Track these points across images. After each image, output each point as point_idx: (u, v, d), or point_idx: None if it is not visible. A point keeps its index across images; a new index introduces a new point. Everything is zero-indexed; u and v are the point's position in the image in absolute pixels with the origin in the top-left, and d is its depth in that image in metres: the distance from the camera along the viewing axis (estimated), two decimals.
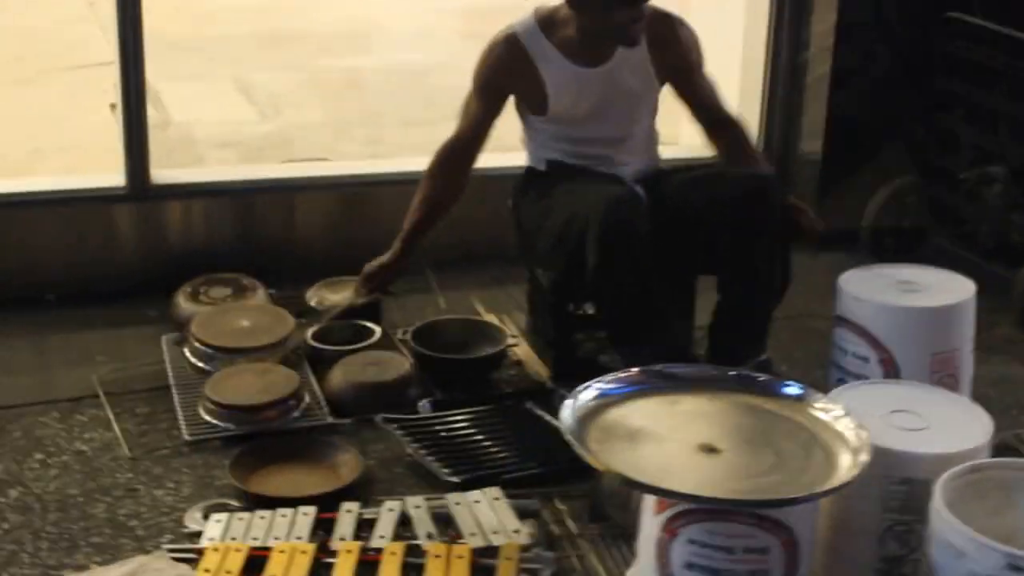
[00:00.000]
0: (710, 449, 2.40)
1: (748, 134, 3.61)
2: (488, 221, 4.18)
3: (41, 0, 7.44)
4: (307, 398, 3.36)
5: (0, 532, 2.85)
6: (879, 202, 4.39)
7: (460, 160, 3.51)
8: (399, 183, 4.20)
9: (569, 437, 2.39)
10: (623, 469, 2.32)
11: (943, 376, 3.06)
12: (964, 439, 2.50)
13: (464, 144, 3.49)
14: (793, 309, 3.61)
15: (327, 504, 2.89)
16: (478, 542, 2.75)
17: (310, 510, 2.85)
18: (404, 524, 2.84)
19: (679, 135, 4.54)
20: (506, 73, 3.40)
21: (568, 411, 2.46)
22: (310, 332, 3.65)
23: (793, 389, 2.53)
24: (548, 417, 3.30)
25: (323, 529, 2.81)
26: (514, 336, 3.75)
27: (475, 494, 2.93)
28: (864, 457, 2.31)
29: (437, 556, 2.68)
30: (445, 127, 5.79)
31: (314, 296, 3.82)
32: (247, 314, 3.66)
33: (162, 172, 4.05)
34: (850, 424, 2.41)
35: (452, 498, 2.92)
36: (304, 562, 2.66)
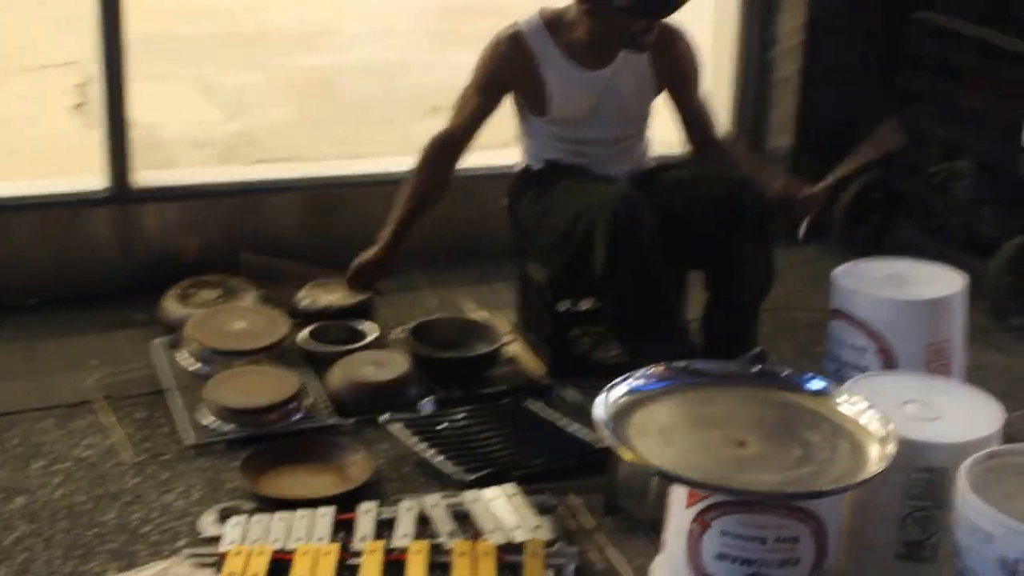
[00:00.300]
0: (740, 443, 2.45)
1: (736, 157, 3.61)
2: (472, 220, 4.21)
3: None
4: (309, 399, 3.37)
5: (11, 541, 2.83)
6: (849, 196, 4.48)
7: (451, 154, 3.51)
8: (380, 183, 4.22)
9: (607, 433, 2.43)
10: (660, 464, 2.36)
11: (938, 365, 3.15)
12: (978, 427, 2.58)
13: (457, 138, 3.50)
14: (772, 302, 3.67)
15: (341, 504, 2.91)
16: (500, 539, 2.77)
17: (328, 511, 2.86)
18: (423, 523, 2.86)
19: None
20: (509, 71, 3.42)
21: (601, 408, 2.50)
22: (306, 332, 3.66)
23: (816, 383, 2.59)
24: (552, 415, 3.36)
25: (341, 530, 2.82)
26: (508, 334, 3.78)
27: (491, 491, 2.95)
28: (891, 447, 2.37)
29: (463, 554, 2.69)
30: (416, 126, 5.86)
31: (307, 296, 3.82)
32: (242, 316, 3.65)
33: (144, 175, 4.03)
34: (874, 416, 2.47)
35: (468, 496, 2.94)
36: (329, 563, 2.66)
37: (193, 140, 5.02)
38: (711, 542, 2.42)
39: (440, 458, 3.13)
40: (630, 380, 2.58)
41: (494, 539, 2.77)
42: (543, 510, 2.93)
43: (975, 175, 4.21)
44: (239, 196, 4.16)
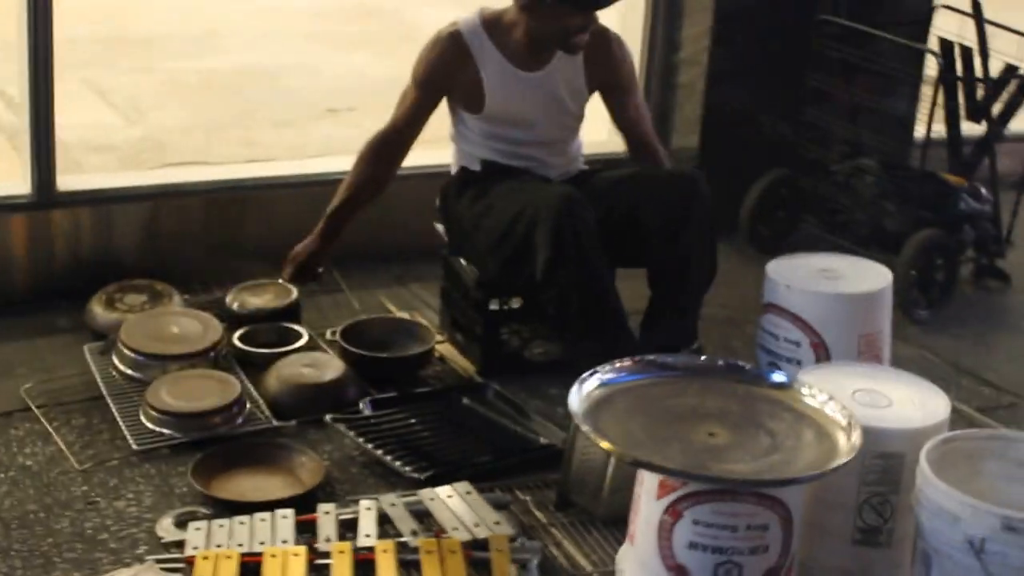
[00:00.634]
0: (711, 433, 2.53)
1: (663, 158, 3.74)
2: (387, 221, 4.23)
3: None
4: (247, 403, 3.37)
5: None
6: (755, 194, 4.62)
7: (392, 150, 3.56)
8: (311, 184, 4.28)
9: (584, 426, 2.49)
10: (638, 455, 2.43)
11: (869, 356, 3.27)
12: (928, 413, 2.70)
13: (398, 134, 3.55)
14: None
15: (296, 506, 2.91)
16: (464, 536, 2.81)
17: (288, 513, 2.86)
18: (383, 522, 2.88)
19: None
20: (447, 69, 3.47)
21: (575, 400, 2.55)
22: (236, 336, 3.65)
23: (779, 376, 2.68)
24: (490, 413, 3.41)
25: (302, 531, 2.83)
26: (439, 334, 3.82)
27: (446, 489, 2.99)
28: (857, 435, 2.48)
29: (429, 552, 2.73)
30: (314, 129, 5.86)
31: (235, 300, 3.80)
32: (174, 320, 3.61)
33: (68, 179, 3.97)
34: (836, 407, 2.57)
35: (425, 494, 2.97)
36: (299, 565, 2.67)
37: (95, 144, 4.93)
38: (682, 532, 2.49)
39: (389, 457, 3.16)
40: (600, 374, 2.64)
41: (457, 536, 2.81)
42: (498, 507, 2.98)
43: (878, 172, 4.38)
44: (163, 199, 4.11)
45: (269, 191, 4.29)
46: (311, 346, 3.67)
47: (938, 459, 2.52)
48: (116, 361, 3.51)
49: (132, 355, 3.48)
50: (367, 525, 2.84)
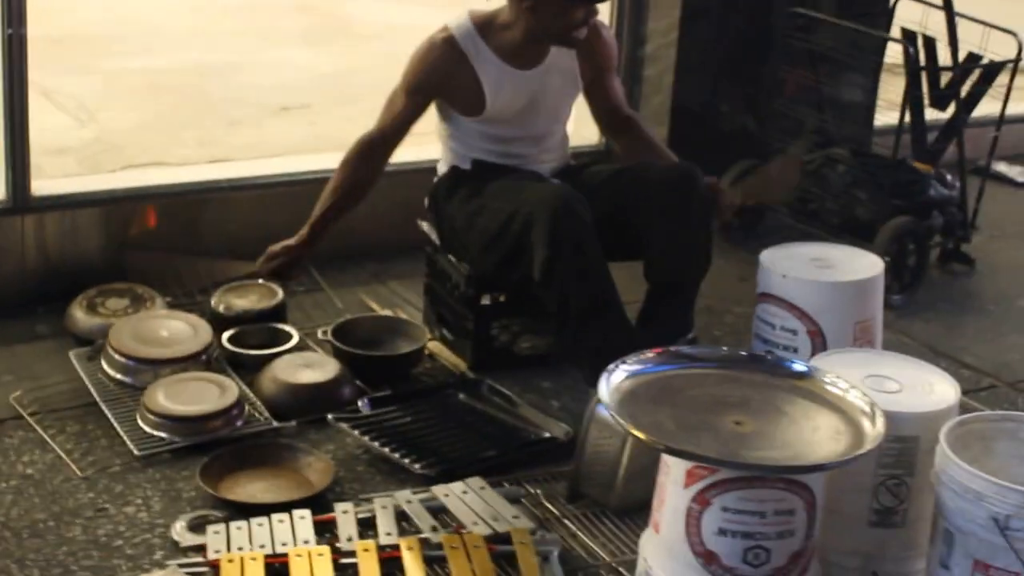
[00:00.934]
0: (737, 422, 2.56)
1: (647, 126, 3.78)
2: (361, 219, 4.22)
3: None
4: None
5: None
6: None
7: (378, 154, 3.55)
8: (283, 184, 4.29)
9: (616, 416, 2.50)
10: (673, 443, 2.45)
11: (863, 343, 3.33)
12: (941, 397, 2.75)
13: (384, 139, 3.54)
14: None
15: (307, 506, 2.90)
16: (483, 530, 2.82)
17: (305, 513, 2.85)
18: (401, 520, 2.88)
19: None
20: (443, 75, 3.46)
21: (604, 391, 2.57)
22: (225, 337, 3.61)
23: (800, 366, 2.72)
24: (488, 408, 3.42)
25: (320, 532, 2.82)
26: (429, 330, 3.81)
27: (459, 485, 3.00)
28: (881, 421, 2.52)
29: (454, 547, 2.73)
30: (269, 127, 5.81)
31: (220, 302, 3.76)
32: (162, 323, 3.56)
33: (43, 183, 3.90)
34: (858, 394, 2.61)
35: (439, 490, 2.98)
36: (325, 564, 2.66)
37: (50, 147, 4.83)
38: (711, 519, 2.51)
39: (397, 455, 3.15)
40: (625, 365, 2.65)
41: (478, 531, 2.82)
42: (512, 500, 2.99)
43: (850, 161, 4.45)
44: (140, 201, 4.06)
45: (243, 192, 4.26)
46: (301, 346, 3.65)
47: (954, 441, 2.57)
48: (105, 366, 3.46)
49: (122, 360, 3.44)
50: (386, 523, 2.84)
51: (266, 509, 2.88)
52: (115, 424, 3.25)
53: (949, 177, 4.51)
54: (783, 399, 2.64)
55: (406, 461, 3.12)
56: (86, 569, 2.73)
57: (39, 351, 3.65)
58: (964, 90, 4.45)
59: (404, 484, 3.07)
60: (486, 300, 3.63)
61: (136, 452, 3.14)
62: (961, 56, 4.45)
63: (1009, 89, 4.44)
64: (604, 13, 4.62)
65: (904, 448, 2.69)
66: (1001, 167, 5.54)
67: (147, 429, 3.21)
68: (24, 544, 2.79)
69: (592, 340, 3.26)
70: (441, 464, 3.12)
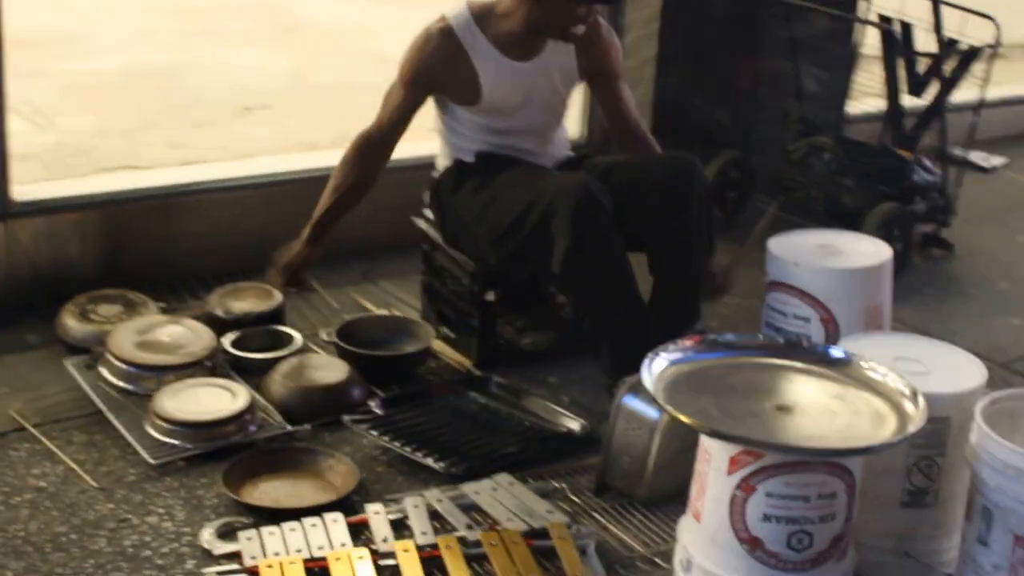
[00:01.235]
0: (780, 408, 2.56)
1: (656, 148, 3.73)
2: (348, 219, 4.18)
3: None
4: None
5: None
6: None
7: (378, 150, 3.51)
8: (269, 184, 4.24)
9: (663, 403, 2.49)
10: (724, 429, 2.44)
11: (873, 328, 3.34)
12: (969, 377, 2.77)
13: (384, 134, 3.50)
14: None
15: (334, 509, 2.87)
16: (519, 526, 2.80)
17: (337, 516, 2.81)
18: (433, 519, 2.85)
19: None
20: (441, 66, 3.42)
21: (648, 379, 2.56)
22: (228, 341, 3.56)
23: (838, 352, 2.72)
24: (499, 405, 3.40)
25: (353, 534, 2.78)
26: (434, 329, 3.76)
27: (488, 482, 2.98)
28: (922, 402, 2.53)
29: (493, 544, 2.71)
30: (235, 128, 5.72)
31: (218, 305, 3.70)
32: (162, 329, 3.49)
33: (24, 189, 3.82)
34: (897, 378, 2.62)
35: (469, 488, 2.95)
36: (366, 566, 2.63)
37: (13, 153, 4.71)
38: (756, 505, 2.50)
39: (419, 455, 3.12)
40: (665, 354, 2.64)
41: (513, 527, 2.79)
42: (542, 496, 2.97)
43: (835, 149, 4.48)
44: (123, 205, 3.99)
45: (224, 193, 4.20)
46: (303, 348, 3.60)
47: (986, 419, 2.60)
48: (106, 374, 3.38)
49: (124, 367, 3.36)
50: (420, 523, 2.80)
51: (293, 514, 2.84)
52: (124, 433, 3.17)
53: (927, 162, 4.56)
54: (822, 384, 2.65)
55: (429, 460, 3.09)
56: None
57: (32, 361, 3.56)
58: (943, 76, 4.50)
59: (427, 483, 3.04)
60: (490, 297, 3.61)
61: (151, 461, 3.07)
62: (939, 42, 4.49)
63: (987, 74, 4.49)
64: None
65: (936, 429, 2.70)
66: (963, 152, 5.60)
67: (158, 437, 3.14)
68: (49, 559, 2.72)
69: (613, 331, 3.25)
70: (464, 462, 3.09)
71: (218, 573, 2.64)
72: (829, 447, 2.45)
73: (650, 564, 2.81)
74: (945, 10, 4.49)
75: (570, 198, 3.21)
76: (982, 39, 4.44)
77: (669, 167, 3.41)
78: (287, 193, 4.28)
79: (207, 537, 2.79)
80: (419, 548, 2.70)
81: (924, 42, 4.54)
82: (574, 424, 3.30)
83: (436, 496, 2.91)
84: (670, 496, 2.98)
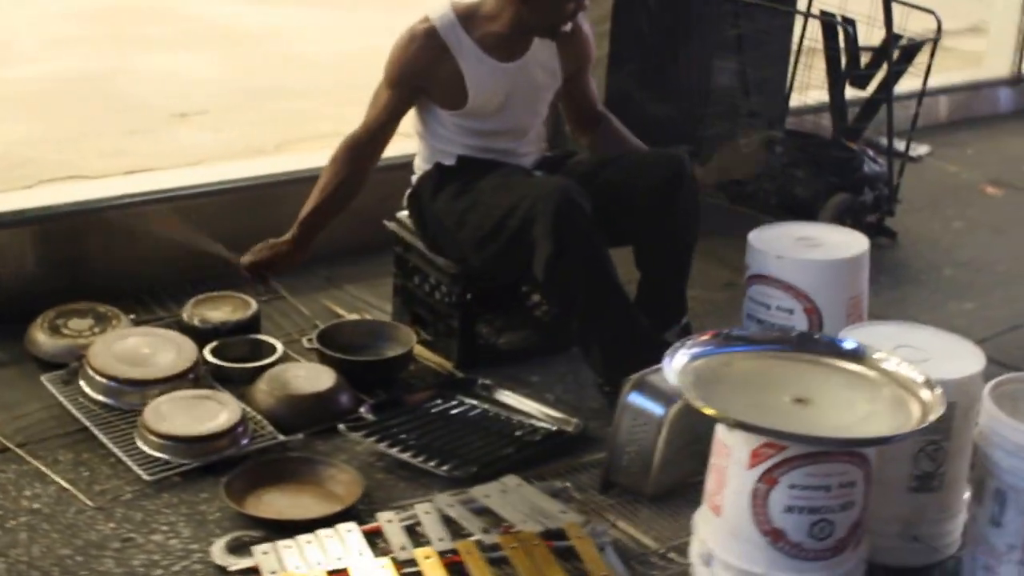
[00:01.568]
0: (798, 400, 2.59)
1: (617, 121, 3.77)
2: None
3: None
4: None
5: None
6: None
7: (365, 152, 3.49)
8: (232, 191, 4.22)
9: (687, 396, 2.51)
10: (754, 421, 2.46)
11: (855, 318, 3.40)
12: (969, 362, 2.84)
13: (371, 136, 3.47)
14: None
15: (343, 518, 2.84)
16: (535, 527, 2.79)
17: (351, 526, 2.78)
18: (447, 524, 2.84)
19: None
20: (426, 67, 3.40)
21: (672, 373, 2.58)
22: (208, 352, 3.50)
23: (850, 344, 2.76)
24: (487, 406, 3.40)
25: (369, 544, 2.75)
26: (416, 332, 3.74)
27: (496, 484, 2.97)
28: (939, 391, 2.58)
29: (513, 547, 2.71)
30: (176, 134, 5.64)
31: (194, 316, 3.64)
32: (141, 341, 3.42)
33: None
34: (908, 366, 2.67)
35: (478, 492, 2.94)
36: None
37: None
38: (779, 497, 2.53)
39: (419, 460, 3.10)
40: (685, 349, 2.66)
41: (529, 529, 2.79)
42: (552, 495, 2.97)
43: (786, 142, 4.55)
44: (82, 217, 3.90)
45: (178, 202, 4.12)
46: (284, 356, 3.56)
47: (992, 403, 2.67)
48: (87, 389, 3.30)
49: (106, 382, 3.29)
50: (434, 529, 2.79)
51: (302, 525, 2.80)
52: (114, 449, 3.11)
53: (871, 152, 4.65)
54: (838, 375, 2.69)
55: (431, 465, 3.08)
56: None
57: (4, 379, 3.46)
58: (885, 69, 4.59)
59: (429, 488, 3.02)
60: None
61: (146, 477, 3.01)
62: (881, 36, 4.58)
63: (929, 67, 4.59)
64: None
65: (943, 414, 2.76)
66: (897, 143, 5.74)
67: (151, 452, 3.08)
68: None
69: (602, 333, 3.25)
70: (466, 466, 3.08)
71: None
72: (857, 437, 2.49)
73: (665, 559, 2.83)
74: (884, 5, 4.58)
75: (550, 203, 3.20)
76: (924, 32, 4.54)
77: (660, 166, 3.42)
78: (244, 200, 4.24)
79: (218, 553, 2.74)
80: (440, 555, 2.68)
81: (866, 36, 4.63)
82: (567, 423, 3.30)
83: (447, 501, 2.90)
84: (674, 491, 3.01)
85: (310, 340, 3.59)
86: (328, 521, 2.82)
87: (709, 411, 2.49)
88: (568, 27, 3.39)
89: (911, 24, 4.58)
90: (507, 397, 3.44)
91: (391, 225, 3.81)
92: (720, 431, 2.62)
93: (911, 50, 4.55)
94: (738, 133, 4.65)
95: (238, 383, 3.41)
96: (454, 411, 3.38)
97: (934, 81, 4.80)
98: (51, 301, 3.66)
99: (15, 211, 3.86)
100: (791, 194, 4.53)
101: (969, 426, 2.78)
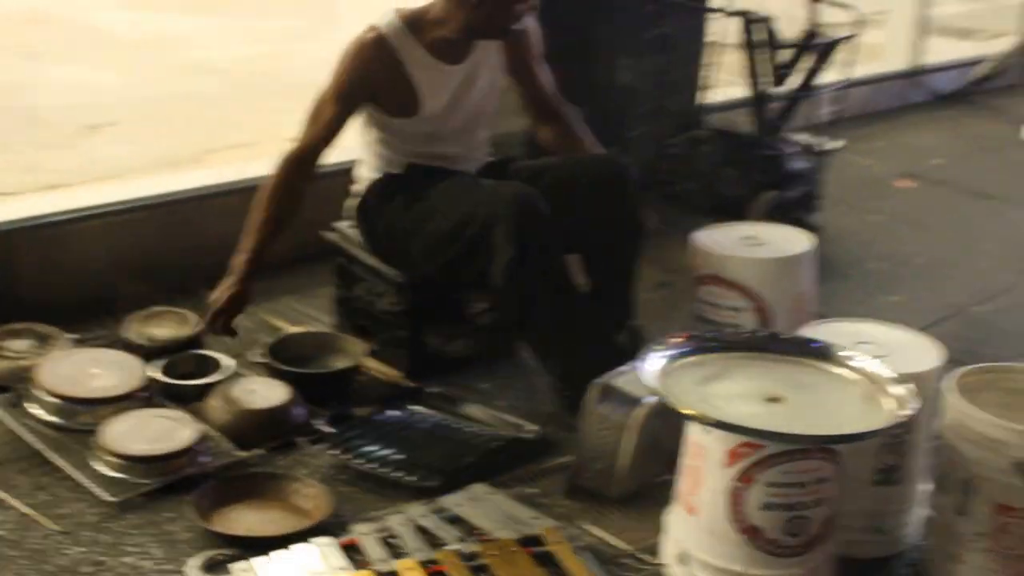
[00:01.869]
0: (774, 399, 2.64)
1: (577, 120, 3.74)
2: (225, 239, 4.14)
3: None
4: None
5: None
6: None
7: (309, 172, 3.44)
8: (150, 208, 4.14)
9: (666, 397, 2.55)
10: (735, 420, 2.51)
11: (801, 314, 3.47)
12: (928, 356, 2.92)
13: (316, 152, 3.42)
14: None
15: (313, 533, 2.83)
16: (511, 534, 2.81)
17: (329, 540, 2.77)
18: (422, 534, 2.83)
19: None
20: (376, 76, 3.37)
21: (648, 374, 2.62)
22: (157, 369, 3.45)
23: (818, 344, 2.81)
24: (441, 415, 3.40)
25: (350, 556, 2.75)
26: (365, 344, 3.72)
27: (466, 493, 2.97)
28: (912, 387, 2.65)
29: (494, 555, 2.72)
30: (88, 147, 5.51)
31: (138, 333, 3.58)
32: (89, 360, 3.36)
33: None
34: (879, 365, 2.73)
35: (449, 501, 2.94)
36: None
37: None
38: (756, 495, 2.58)
39: (385, 471, 3.09)
40: (659, 352, 2.70)
41: (505, 536, 2.80)
42: (521, 502, 2.98)
43: (714, 141, 4.62)
44: (7, 236, 3.82)
45: (105, 219, 4.06)
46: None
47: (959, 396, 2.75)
48: (37, 411, 3.24)
49: (58, 402, 3.23)
50: (411, 540, 2.79)
51: (276, 541, 2.78)
52: (72, 472, 3.05)
53: (795, 149, 4.74)
54: (807, 374, 2.74)
55: (398, 475, 3.07)
56: None
57: None
58: (803, 66, 4.68)
59: (394, 500, 3.01)
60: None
61: (109, 499, 2.96)
62: (798, 33, 4.67)
63: (848, 63, 4.69)
64: None
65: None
66: (802, 137, 5.84)
67: (110, 473, 3.04)
68: None
69: (561, 339, 3.26)
70: (431, 476, 3.07)
71: None
72: (841, 433, 2.54)
73: (638, 561, 2.86)
74: (806, 1, 4.67)
75: (511, 208, 3.20)
76: (843, 29, 4.65)
77: (601, 168, 3.45)
78: (173, 213, 4.19)
79: (194, 573, 2.71)
80: (422, 565, 2.68)
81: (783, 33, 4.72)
82: (524, 429, 3.31)
83: (419, 511, 2.90)
84: (638, 492, 3.05)
85: (261, 354, 3.55)
86: (301, 536, 2.80)
87: (693, 414, 2.53)
88: (520, 26, 3.40)
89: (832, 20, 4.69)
90: (460, 405, 3.44)
91: (331, 236, 3.79)
92: (694, 432, 2.66)
93: (829, 47, 4.64)
94: (663, 133, 4.70)
95: (189, 400, 3.36)
96: (410, 421, 3.37)
97: (838, 76, 4.89)
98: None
99: None
100: (719, 193, 4.59)
101: (928, 419, 2.86)
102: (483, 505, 2.93)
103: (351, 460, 3.13)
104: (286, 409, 3.30)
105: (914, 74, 7.11)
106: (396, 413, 3.39)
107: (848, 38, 4.63)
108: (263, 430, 3.23)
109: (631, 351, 3.34)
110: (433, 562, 2.70)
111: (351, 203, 3.65)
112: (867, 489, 2.89)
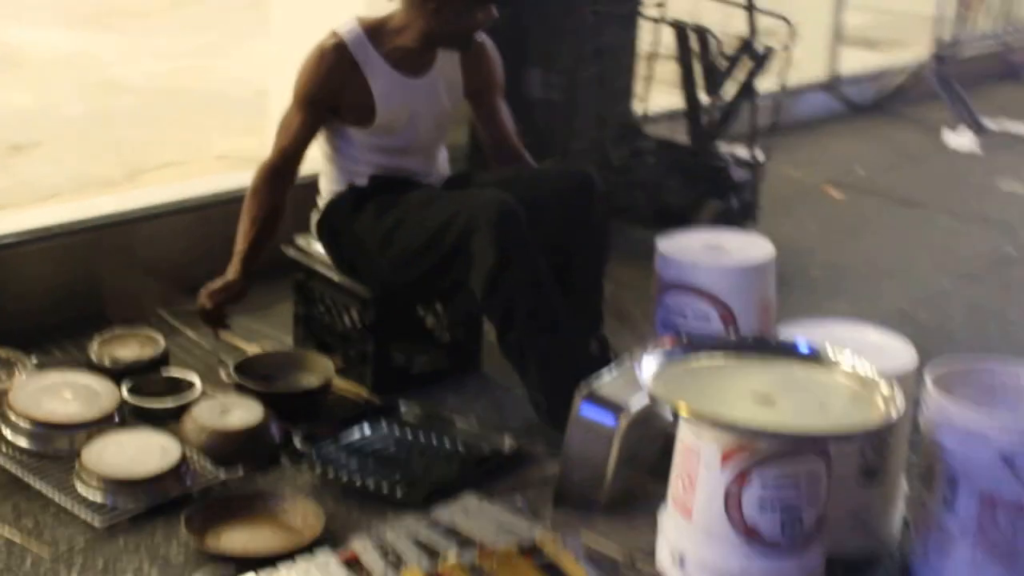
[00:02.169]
0: (766, 400, 2.71)
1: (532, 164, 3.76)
2: (172, 260, 4.11)
3: None
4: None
5: None
6: None
7: (285, 178, 3.47)
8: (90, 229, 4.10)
9: (664, 400, 2.61)
10: (733, 418, 2.57)
11: (765, 320, 3.54)
12: (904, 356, 3.00)
13: (288, 161, 3.46)
14: None
15: (305, 550, 2.82)
16: (509, 544, 2.83)
17: (328, 557, 2.77)
18: (420, 547, 2.84)
19: None
20: (336, 82, 3.38)
21: (643, 375, 2.67)
22: (125, 391, 3.40)
23: (805, 346, 2.88)
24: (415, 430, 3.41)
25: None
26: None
27: (457, 505, 2.99)
28: (897, 387, 2.73)
29: (496, 565, 2.73)
30: (13, 168, 5.36)
31: (103, 355, 3.54)
32: (60, 384, 3.30)
33: None
34: (867, 366, 2.81)
35: (442, 514, 2.95)
36: None
37: None
38: (752, 495, 2.64)
39: (372, 487, 3.10)
40: (652, 356, 2.75)
41: (504, 546, 2.82)
42: (514, 511, 3.01)
43: (657, 152, 4.68)
44: None
45: (38, 244, 3.98)
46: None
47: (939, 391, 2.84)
48: (11, 436, 3.17)
49: (31, 427, 3.17)
50: (410, 553, 2.80)
51: (274, 559, 2.77)
52: (55, 497, 3.00)
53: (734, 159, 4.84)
54: (795, 375, 2.81)
55: (383, 490, 3.07)
56: None
57: None
58: (738, 77, 4.77)
59: (381, 514, 3.02)
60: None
61: (97, 524, 2.92)
62: (733, 44, 4.76)
63: (781, 73, 4.80)
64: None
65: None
66: (738, 147, 5.95)
67: (94, 498, 2.99)
68: None
69: (542, 347, 3.28)
70: (416, 489, 3.08)
71: None
72: (840, 431, 2.61)
73: (632, 565, 2.90)
74: (740, 12, 4.76)
75: (491, 214, 3.22)
76: (776, 40, 4.76)
77: (567, 180, 3.48)
78: (122, 235, 4.13)
79: None
80: None
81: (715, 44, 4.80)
82: (501, 441, 3.33)
83: (414, 524, 2.91)
84: (624, 498, 3.09)
85: (229, 375, 3.51)
86: (298, 553, 2.79)
87: (694, 415, 2.59)
88: (480, 36, 3.43)
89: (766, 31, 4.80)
90: (433, 420, 3.45)
91: (290, 251, 3.78)
92: (687, 435, 2.72)
93: (763, 58, 4.74)
94: (604, 145, 4.75)
95: (159, 421, 3.33)
96: (385, 436, 3.38)
97: (771, 86, 5.00)
98: None
99: None
100: (664, 203, 4.66)
101: (907, 417, 2.94)
102: (477, 516, 2.95)
103: (334, 477, 3.12)
104: (262, 429, 3.28)
105: (831, 86, 7.27)
106: (369, 429, 3.39)
107: (782, 48, 4.73)
108: (242, 450, 3.21)
109: (602, 360, 3.41)
110: (437, 574, 2.71)
111: (315, 217, 3.64)
112: (851, 488, 2.95)
